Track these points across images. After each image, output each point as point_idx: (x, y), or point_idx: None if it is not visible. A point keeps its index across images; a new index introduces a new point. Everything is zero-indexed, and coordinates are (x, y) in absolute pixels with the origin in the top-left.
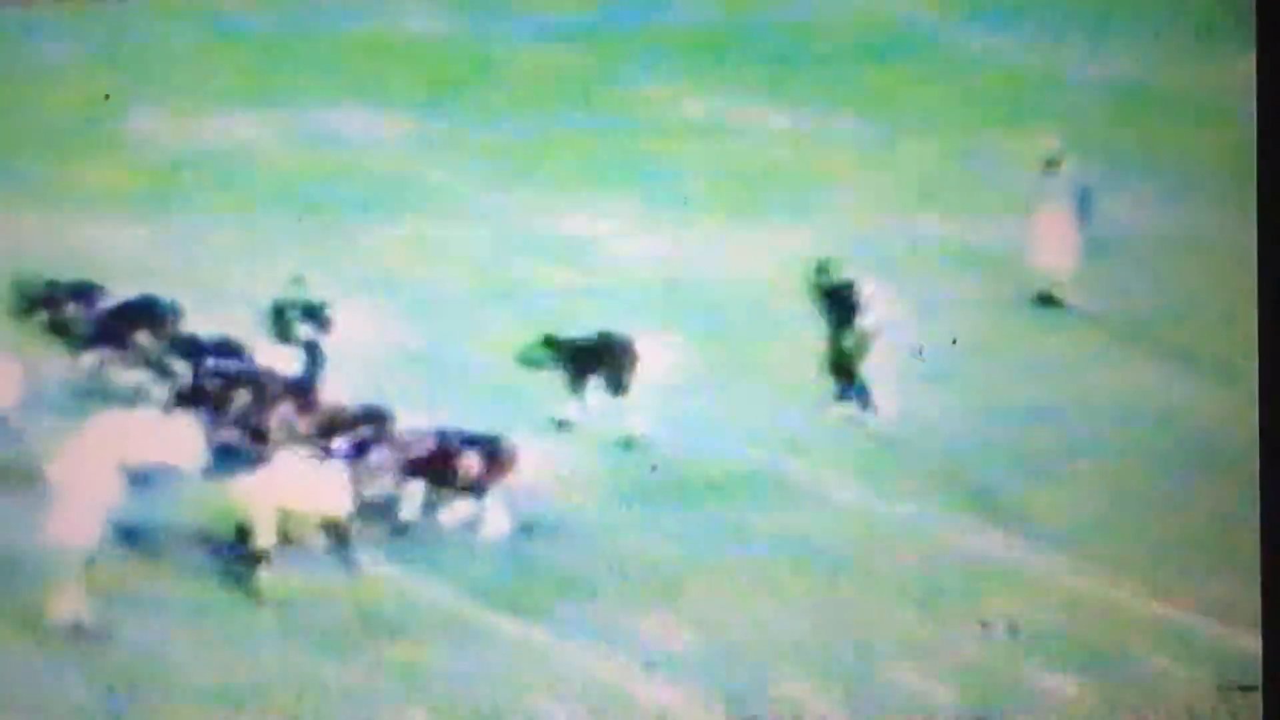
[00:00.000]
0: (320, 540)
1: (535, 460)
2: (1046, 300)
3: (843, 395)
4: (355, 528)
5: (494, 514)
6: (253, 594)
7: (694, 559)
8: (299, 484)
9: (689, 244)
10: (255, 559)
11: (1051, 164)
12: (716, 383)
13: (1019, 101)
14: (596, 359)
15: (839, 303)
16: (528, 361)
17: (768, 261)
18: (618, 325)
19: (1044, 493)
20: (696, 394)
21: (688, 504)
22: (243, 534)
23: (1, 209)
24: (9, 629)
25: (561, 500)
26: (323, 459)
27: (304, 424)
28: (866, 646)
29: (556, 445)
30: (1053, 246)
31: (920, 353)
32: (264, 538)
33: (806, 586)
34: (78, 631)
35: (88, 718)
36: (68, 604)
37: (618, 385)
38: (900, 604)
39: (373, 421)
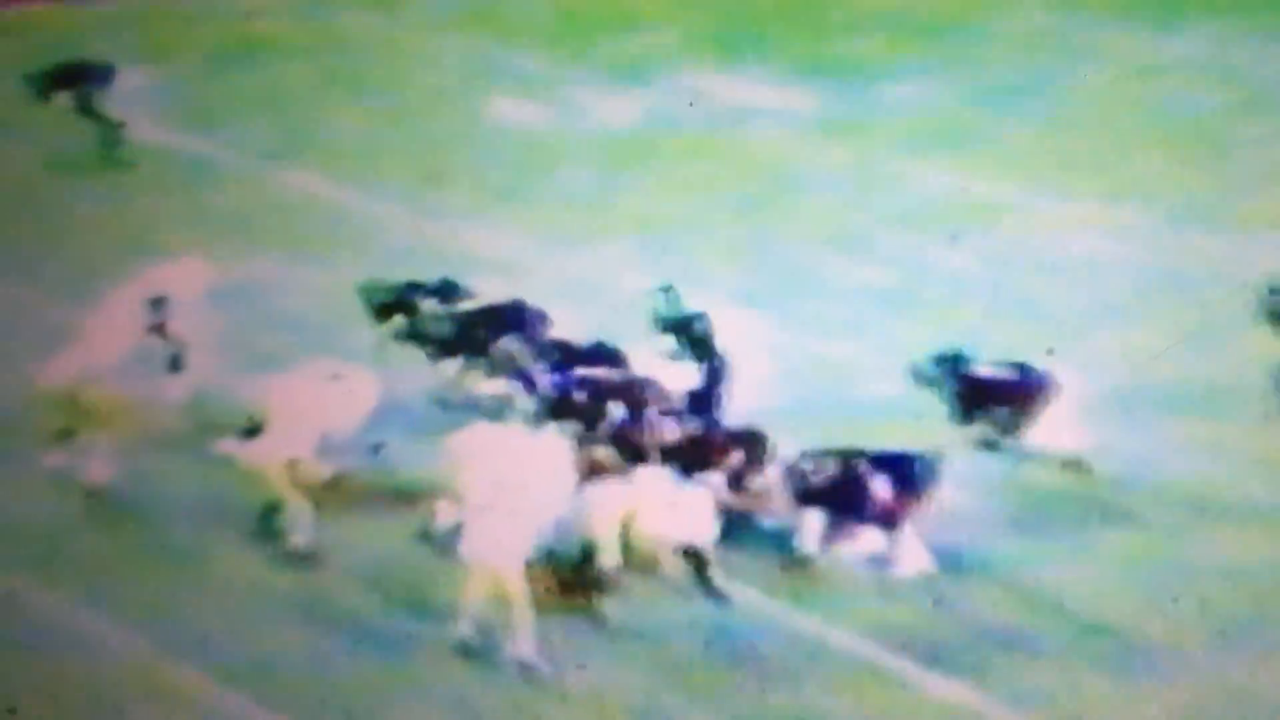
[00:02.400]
0: (677, 568)
1: (956, 484)
2: None
3: None
4: (734, 560)
5: (909, 548)
6: (595, 619)
7: (1148, 602)
8: (659, 504)
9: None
10: (599, 581)
11: None
12: (1158, 400)
13: None
14: (996, 395)
15: None
16: (917, 377)
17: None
18: (1029, 348)
19: None
20: (1131, 414)
21: (1134, 537)
22: (588, 556)
23: (361, 205)
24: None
25: (987, 532)
26: (687, 481)
27: (672, 445)
28: None
29: (981, 464)
30: None
31: None
32: (609, 557)
33: None
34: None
35: None
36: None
37: (1014, 426)
38: None
39: (746, 445)
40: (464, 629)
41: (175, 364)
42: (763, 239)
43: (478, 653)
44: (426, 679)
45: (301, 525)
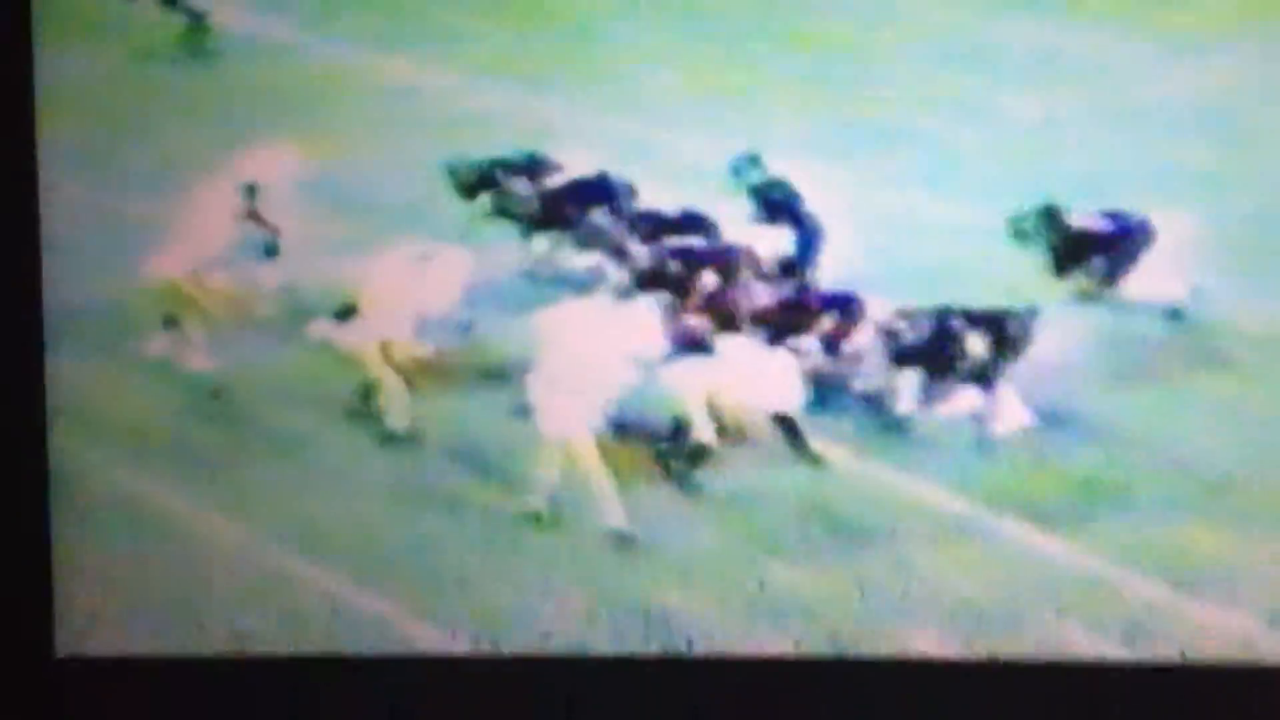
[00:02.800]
0: (770, 437)
1: (1054, 337)
2: None
3: None
4: (829, 424)
5: (1006, 404)
6: (688, 488)
7: (1249, 450)
8: (744, 374)
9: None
10: (696, 454)
11: None
12: (1258, 245)
13: None
14: (1093, 245)
15: None
16: (1014, 231)
17: None
18: (1125, 198)
19: None
20: (1231, 259)
21: (1236, 385)
22: (679, 428)
23: (451, 79)
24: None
25: (1087, 386)
26: (776, 347)
27: (765, 311)
28: None
29: (1078, 317)
30: None
31: None
32: (701, 430)
33: None
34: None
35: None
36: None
37: (1112, 277)
38: None
39: (839, 307)
40: (536, 501)
41: (270, 250)
42: (846, 96)
43: (554, 523)
44: (519, 550)
45: (398, 405)
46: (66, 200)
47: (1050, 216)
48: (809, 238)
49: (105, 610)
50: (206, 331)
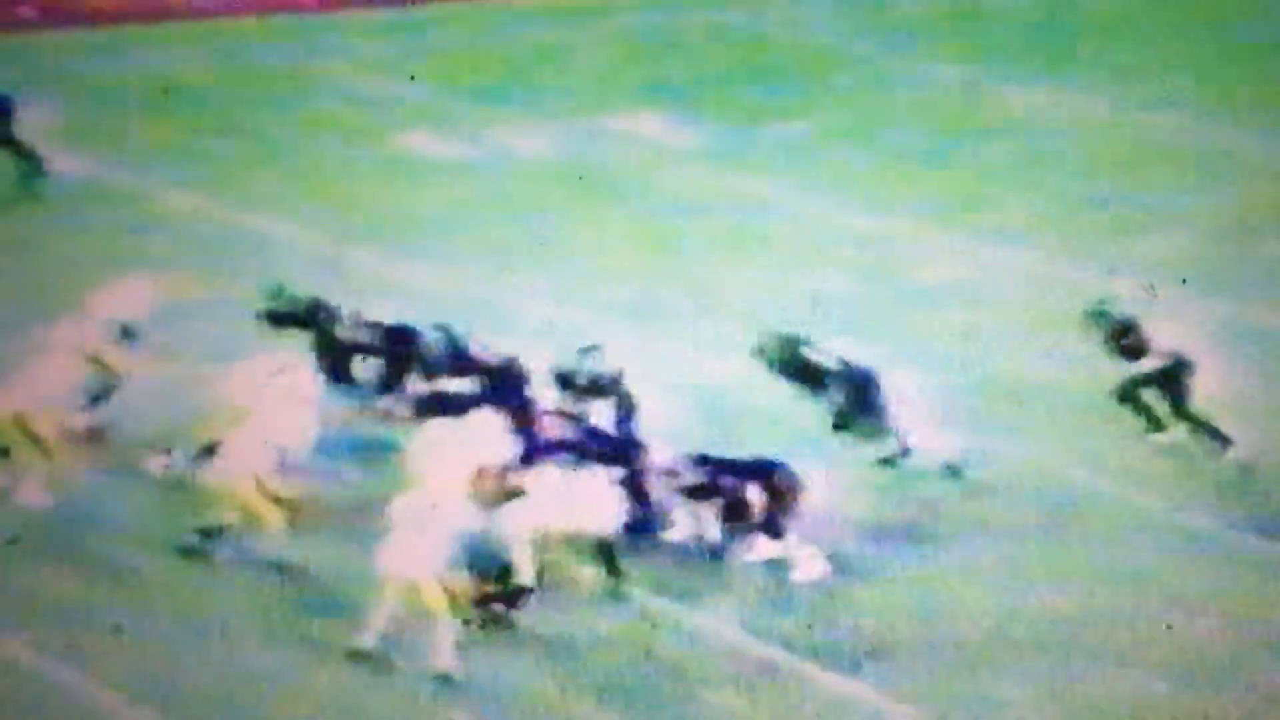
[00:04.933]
0: (587, 575)
1: (838, 492)
2: None
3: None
4: (640, 568)
5: (805, 554)
6: (507, 628)
7: (1001, 605)
8: (563, 507)
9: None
10: (516, 595)
11: None
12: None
13: None
14: (829, 382)
15: (1123, 345)
16: (758, 351)
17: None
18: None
19: None
20: (990, 427)
21: (990, 543)
22: (504, 571)
23: (275, 233)
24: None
25: (871, 537)
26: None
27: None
28: None
29: (862, 475)
30: None
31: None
32: (525, 576)
33: (1163, 643)
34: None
35: None
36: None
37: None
38: None
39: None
40: (367, 639)
41: (106, 391)
42: (658, 264)
43: (377, 662)
44: (348, 689)
45: (273, 543)
46: None
47: (788, 344)
48: (628, 414)
49: None
50: (44, 467)
